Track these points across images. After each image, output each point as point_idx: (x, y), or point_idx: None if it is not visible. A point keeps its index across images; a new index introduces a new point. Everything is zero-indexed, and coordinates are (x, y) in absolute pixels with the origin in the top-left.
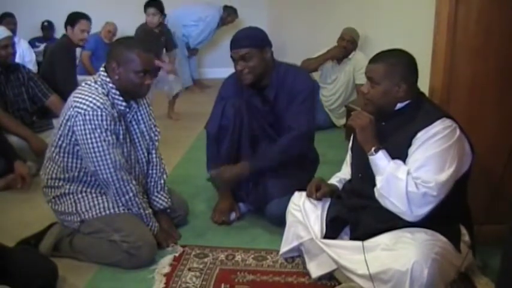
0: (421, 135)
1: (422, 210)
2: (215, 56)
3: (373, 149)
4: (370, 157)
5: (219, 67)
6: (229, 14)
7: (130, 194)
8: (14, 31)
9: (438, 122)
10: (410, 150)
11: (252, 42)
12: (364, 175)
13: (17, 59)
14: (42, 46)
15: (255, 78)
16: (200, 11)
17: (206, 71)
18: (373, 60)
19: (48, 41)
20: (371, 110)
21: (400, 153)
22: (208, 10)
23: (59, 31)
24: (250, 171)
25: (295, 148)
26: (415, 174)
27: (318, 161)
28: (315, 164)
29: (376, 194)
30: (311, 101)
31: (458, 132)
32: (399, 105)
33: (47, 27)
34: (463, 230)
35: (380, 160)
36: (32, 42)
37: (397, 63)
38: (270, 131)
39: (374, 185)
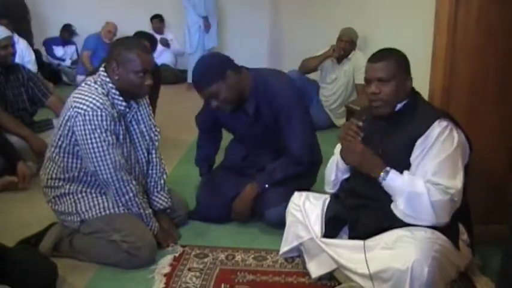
0: (423, 141)
1: (448, 216)
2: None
3: (382, 174)
4: (383, 182)
5: None
6: None
7: (131, 194)
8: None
9: (436, 124)
10: (415, 158)
11: (209, 80)
12: (363, 174)
13: (17, 59)
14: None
15: (232, 105)
16: None
17: None
18: (378, 59)
19: (66, 43)
20: (386, 111)
21: (398, 155)
22: None
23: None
24: (260, 188)
25: (298, 169)
26: (434, 179)
27: (321, 161)
28: (317, 166)
29: (400, 215)
30: (296, 117)
31: (455, 130)
32: (399, 106)
33: (68, 29)
34: (462, 229)
35: (393, 181)
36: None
37: (401, 58)
38: (264, 140)
39: (373, 183)
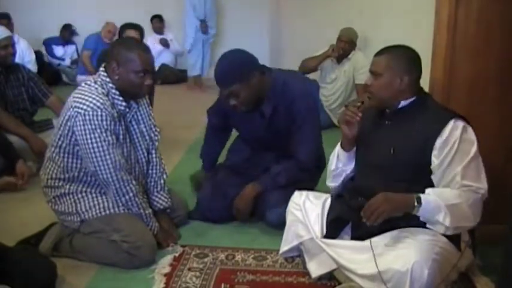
0: (443, 145)
1: (480, 215)
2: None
3: (415, 202)
4: (420, 208)
5: None
6: None
7: (131, 194)
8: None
9: (451, 124)
10: (439, 164)
11: (235, 78)
12: (369, 172)
13: (17, 59)
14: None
15: (249, 107)
16: None
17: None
18: (377, 53)
19: (66, 43)
20: (373, 103)
21: (411, 153)
22: None
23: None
24: (262, 188)
25: (301, 174)
26: (465, 182)
27: (324, 166)
28: (320, 171)
29: (442, 230)
30: (311, 123)
31: (470, 130)
32: (403, 103)
33: (68, 29)
34: None
35: (428, 203)
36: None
37: (400, 55)
38: (271, 142)
39: (378, 182)
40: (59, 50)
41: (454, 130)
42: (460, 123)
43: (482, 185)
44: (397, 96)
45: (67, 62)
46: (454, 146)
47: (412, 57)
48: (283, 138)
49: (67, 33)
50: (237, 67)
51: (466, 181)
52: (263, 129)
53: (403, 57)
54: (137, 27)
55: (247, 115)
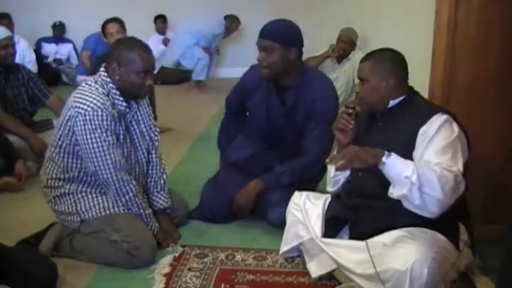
0: (423, 134)
1: (453, 196)
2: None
3: (386, 154)
4: (388, 160)
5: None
6: (231, 22)
7: (131, 194)
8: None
9: (436, 116)
10: (417, 150)
11: (277, 37)
12: (364, 173)
13: (17, 59)
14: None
15: (271, 74)
16: (197, 30)
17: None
18: (362, 59)
19: (59, 41)
20: (365, 109)
21: (401, 152)
22: (205, 28)
23: (50, 31)
24: (265, 186)
25: (307, 174)
26: (436, 161)
27: (325, 169)
28: (322, 173)
29: (409, 192)
30: (328, 124)
31: (455, 124)
32: (392, 103)
33: (59, 27)
34: (462, 229)
35: (399, 158)
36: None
37: (383, 58)
38: (279, 137)
39: (375, 183)
40: (51, 48)
41: (435, 121)
42: (444, 116)
43: (455, 165)
44: (385, 98)
45: (50, 59)
46: (430, 134)
47: (395, 59)
48: (295, 133)
49: (57, 32)
50: (287, 31)
51: (437, 160)
52: (280, 117)
53: (386, 60)
54: (117, 20)
55: (266, 99)
